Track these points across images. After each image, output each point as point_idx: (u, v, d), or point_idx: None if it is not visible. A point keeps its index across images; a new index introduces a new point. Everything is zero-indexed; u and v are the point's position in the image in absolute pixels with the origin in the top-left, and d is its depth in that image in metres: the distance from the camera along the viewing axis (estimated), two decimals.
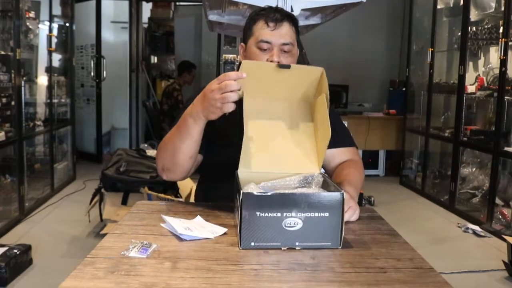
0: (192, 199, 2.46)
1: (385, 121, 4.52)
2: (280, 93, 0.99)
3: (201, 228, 0.89)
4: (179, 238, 0.86)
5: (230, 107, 0.88)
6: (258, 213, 0.79)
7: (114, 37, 5.03)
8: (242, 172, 0.95)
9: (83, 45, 4.71)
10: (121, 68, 4.88)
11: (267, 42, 1.09)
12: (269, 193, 0.80)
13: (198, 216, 0.96)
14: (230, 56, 4.68)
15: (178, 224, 0.88)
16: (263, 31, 1.09)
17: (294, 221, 0.79)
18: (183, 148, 0.99)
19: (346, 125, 1.31)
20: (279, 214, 0.79)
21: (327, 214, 0.80)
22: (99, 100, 4.69)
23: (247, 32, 1.13)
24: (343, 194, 0.80)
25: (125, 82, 4.93)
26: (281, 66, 0.96)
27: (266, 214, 0.79)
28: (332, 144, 1.14)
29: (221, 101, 0.87)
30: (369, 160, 4.55)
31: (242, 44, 1.16)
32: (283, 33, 1.09)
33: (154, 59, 6.08)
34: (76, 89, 4.48)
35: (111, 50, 4.79)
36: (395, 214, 3.23)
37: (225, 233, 0.88)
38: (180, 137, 0.98)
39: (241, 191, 0.79)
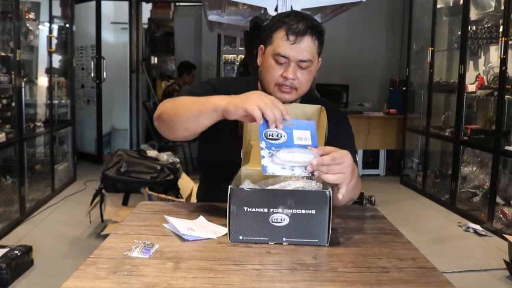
0: (192, 200, 2.47)
1: (386, 121, 4.52)
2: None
3: (203, 228, 0.90)
4: (181, 238, 0.86)
5: (258, 117, 0.85)
6: (245, 208, 0.81)
7: (114, 38, 5.03)
8: (245, 170, 0.98)
9: (83, 46, 4.71)
10: (121, 69, 4.88)
11: (284, 56, 1.04)
12: (255, 189, 0.83)
13: (201, 216, 0.96)
14: (230, 56, 4.68)
15: (181, 225, 0.88)
16: (282, 42, 1.04)
17: (280, 217, 0.81)
18: (184, 119, 0.96)
19: None
20: (265, 210, 0.81)
21: (313, 211, 0.81)
22: (99, 101, 4.69)
23: (267, 36, 1.09)
24: (330, 192, 0.81)
25: (125, 83, 4.93)
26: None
27: (253, 210, 0.81)
28: None
29: (270, 104, 0.85)
30: (370, 159, 4.55)
31: (262, 46, 1.12)
32: (303, 49, 1.04)
33: (154, 60, 6.08)
34: (76, 90, 4.48)
35: (111, 51, 4.79)
36: (396, 214, 3.23)
37: (227, 233, 0.88)
38: (189, 110, 0.95)
39: (230, 187, 0.82)
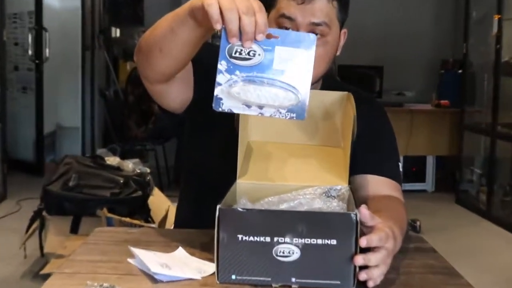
0: (169, 225, 2.46)
1: (435, 116, 4.53)
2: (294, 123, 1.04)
3: (183, 264, 0.89)
4: (152, 278, 0.85)
5: (213, 18, 0.79)
6: (240, 236, 0.81)
7: (61, 2, 5.04)
8: (242, 184, 0.98)
9: (17, 13, 4.72)
10: (70, 45, 4.88)
11: (289, 18, 1.05)
12: (254, 210, 0.82)
13: (180, 248, 0.96)
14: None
15: (152, 260, 0.88)
16: (287, 2, 1.06)
17: (288, 249, 0.80)
18: (158, 36, 0.95)
19: None
20: (268, 239, 0.80)
21: (334, 242, 0.80)
22: (39, 88, 4.69)
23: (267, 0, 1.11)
24: (356, 215, 0.81)
25: (75, 64, 4.94)
26: None
27: (251, 238, 0.80)
28: (368, 168, 1.13)
29: (242, 6, 0.79)
30: (413, 169, 4.56)
31: None
32: (316, 9, 1.05)
33: (116, 32, 6.09)
34: (7, 73, 4.49)
35: (57, 20, 4.81)
36: (450, 245, 3.22)
37: (215, 272, 0.87)
38: (164, 23, 0.94)
39: (218, 207, 0.81)
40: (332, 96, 1.06)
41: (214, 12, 0.79)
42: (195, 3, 0.85)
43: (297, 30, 1.05)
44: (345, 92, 1.05)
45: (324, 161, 1.04)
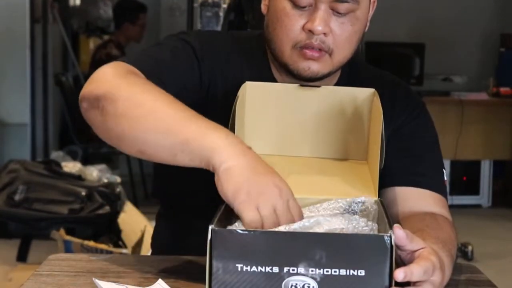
0: (145, 250, 2.46)
1: (492, 108, 4.53)
2: (306, 125, 1.09)
3: None
4: None
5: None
6: (239, 266, 0.81)
7: None
8: None
9: None
10: (14, 17, 4.87)
11: None
12: (257, 232, 0.83)
13: (160, 281, 0.96)
14: None
15: None
16: None
17: (303, 281, 0.81)
18: (145, 137, 0.98)
19: None
20: (276, 269, 0.81)
21: (362, 273, 0.81)
22: None
23: None
24: (391, 237, 0.81)
25: (21, 42, 4.92)
26: (305, 83, 1.11)
27: (254, 269, 0.81)
28: (400, 178, 1.15)
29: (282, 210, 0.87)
30: (463, 178, 4.56)
31: None
32: None
33: (74, 0, 6.09)
34: None
35: None
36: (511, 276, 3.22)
37: None
38: (159, 129, 0.97)
39: (211, 227, 0.81)
40: (366, 93, 1.08)
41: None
42: (217, 164, 0.90)
43: (316, 8, 1.06)
44: (371, 90, 1.07)
45: (346, 174, 1.05)
